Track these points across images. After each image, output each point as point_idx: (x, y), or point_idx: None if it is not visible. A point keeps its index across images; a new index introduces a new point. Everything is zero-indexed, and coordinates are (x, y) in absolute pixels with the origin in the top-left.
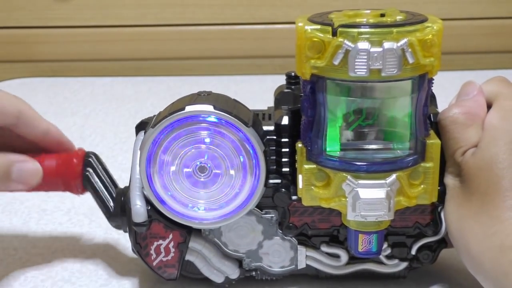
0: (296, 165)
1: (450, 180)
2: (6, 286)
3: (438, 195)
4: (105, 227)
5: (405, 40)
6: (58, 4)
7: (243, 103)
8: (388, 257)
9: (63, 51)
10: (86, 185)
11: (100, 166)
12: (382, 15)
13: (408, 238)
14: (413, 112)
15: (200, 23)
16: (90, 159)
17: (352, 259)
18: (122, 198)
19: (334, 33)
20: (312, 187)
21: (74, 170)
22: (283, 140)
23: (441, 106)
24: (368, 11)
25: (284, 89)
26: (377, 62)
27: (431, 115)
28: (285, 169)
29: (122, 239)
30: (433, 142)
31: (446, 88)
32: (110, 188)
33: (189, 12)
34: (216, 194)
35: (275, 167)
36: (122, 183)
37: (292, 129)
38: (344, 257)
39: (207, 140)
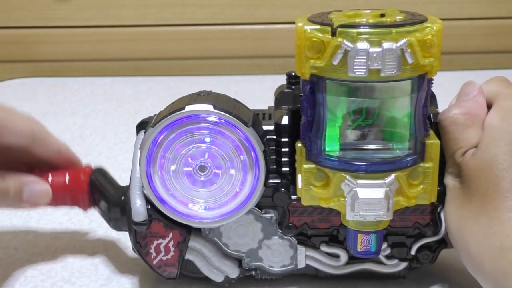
0: (296, 165)
1: (450, 181)
2: (6, 286)
3: (438, 196)
4: (105, 227)
5: (404, 40)
6: (58, 4)
7: (243, 103)
8: (388, 257)
9: (63, 51)
10: (92, 203)
11: (105, 181)
12: (382, 15)
13: (407, 238)
14: (412, 112)
15: (200, 23)
16: (95, 175)
17: (352, 259)
18: (123, 197)
19: (333, 33)
20: (312, 187)
21: (82, 187)
22: (283, 140)
23: (441, 106)
24: (368, 11)
25: (284, 89)
26: (376, 62)
27: (431, 115)
28: (285, 169)
29: (122, 239)
30: (433, 142)
31: (446, 88)
32: (113, 205)
33: (189, 12)
34: (216, 193)
35: (275, 166)
36: (122, 183)
37: (292, 129)
38: (343, 257)
39: (207, 139)
